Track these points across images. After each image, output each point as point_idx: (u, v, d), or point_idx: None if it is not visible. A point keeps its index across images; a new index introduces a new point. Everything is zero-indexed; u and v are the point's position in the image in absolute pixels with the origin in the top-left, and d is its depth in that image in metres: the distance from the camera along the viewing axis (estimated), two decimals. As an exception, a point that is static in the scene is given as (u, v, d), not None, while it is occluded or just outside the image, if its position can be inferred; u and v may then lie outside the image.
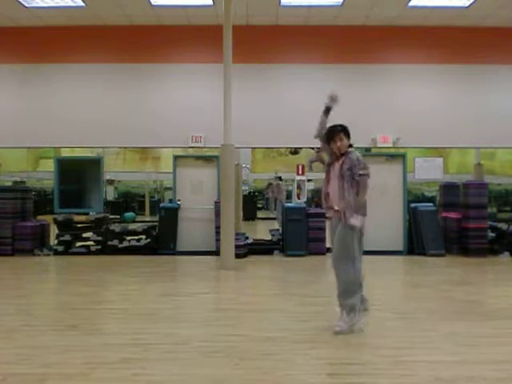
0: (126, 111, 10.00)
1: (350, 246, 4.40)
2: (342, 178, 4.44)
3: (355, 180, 4.42)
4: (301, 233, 9.72)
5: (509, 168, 18.03)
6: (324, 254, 9.70)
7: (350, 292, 4.42)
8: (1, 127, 9.96)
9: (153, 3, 8.96)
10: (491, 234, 9.84)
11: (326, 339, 4.35)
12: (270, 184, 17.88)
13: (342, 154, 4.52)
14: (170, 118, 9.94)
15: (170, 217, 10.10)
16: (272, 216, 19.43)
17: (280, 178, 16.89)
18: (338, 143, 4.50)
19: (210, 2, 8.92)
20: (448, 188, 10.61)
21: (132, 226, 11.02)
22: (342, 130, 4.54)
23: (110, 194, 21.83)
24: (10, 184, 17.53)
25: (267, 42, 9.98)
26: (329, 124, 4.67)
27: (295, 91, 9.99)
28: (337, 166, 4.53)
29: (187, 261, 9.32)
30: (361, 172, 4.42)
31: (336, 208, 4.49)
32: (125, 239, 9.97)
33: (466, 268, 8.54)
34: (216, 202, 9.66)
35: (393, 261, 9.31)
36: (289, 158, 18.26)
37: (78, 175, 10.60)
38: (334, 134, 4.53)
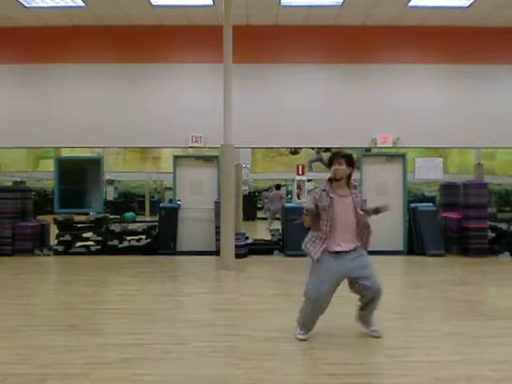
0: (126, 111, 9.99)
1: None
2: (357, 213, 4.22)
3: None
4: (301, 233, 9.69)
5: (509, 168, 18.05)
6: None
7: None
8: (1, 127, 9.96)
9: (153, 3, 8.96)
10: (491, 234, 9.84)
11: (326, 339, 4.35)
12: (270, 189, 17.88)
13: (348, 185, 4.29)
14: (170, 118, 9.94)
15: (169, 217, 10.10)
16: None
17: (278, 187, 16.79)
18: (335, 166, 4.24)
19: (210, 2, 8.92)
20: (448, 188, 10.61)
21: (132, 226, 11.02)
22: (343, 157, 4.26)
23: (110, 194, 21.86)
24: (10, 184, 17.56)
25: (267, 42, 9.97)
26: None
27: (295, 91, 9.99)
28: (346, 201, 4.23)
29: (187, 261, 9.32)
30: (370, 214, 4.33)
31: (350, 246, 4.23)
32: (125, 239, 9.98)
33: (466, 268, 8.54)
34: (216, 202, 9.66)
35: (393, 261, 9.30)
36: (289, 158, 18.29)
37: (78, 175, 10.59)
38: (334, 158, 4.29)
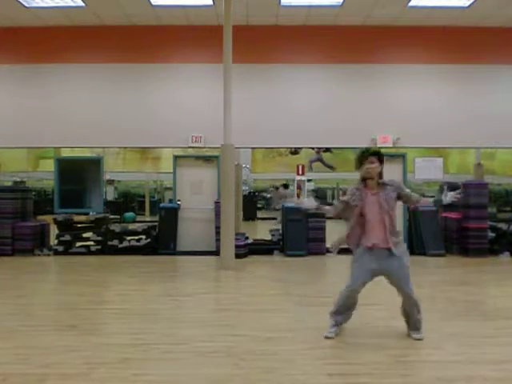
0: (126, 111, 9.99)
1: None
2: (388, 213, 4.20)
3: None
4: (301, 233, 9.72)
5: (509, 168, 18.04)
6: (324, 254, 9.70)
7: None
8: (1, 127, 9.95)
9: (153, 3, 8.96)
10: (491, 234, 9.84)
11: (326, 339, 4.34)
12: (277, 188, 18.10)
13: (378, 184, 4.25)
14: (169, 118, 9.94)
15: (169, 217, 10.09)
16: (271, 216, 19.47)
17: (286, 186, 16.93)
18: (367, 165, 4.19)
19: (210, 2, 8.91)
20: (448, 188, 10.58)
21: (132, 226, 11.02)
22: (374, 154, 4.22)
23: (110, 194, 21.84)
24: (10, 184, 17.55)
25: (267, 41, 9.97)
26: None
27: (295, 91, 9.99)
28: (374, 199, 4.21)
29: (187, 261, 9.32)
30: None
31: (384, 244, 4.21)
32: (125, 239, 9.97)
33: (466, 268, 8.54)
34: (216, 202, 9.66)
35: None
36: (289, 158, 18.29)
37: (78, 175, 10.59)
38: (365, 156, 4.24)
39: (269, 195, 22.43)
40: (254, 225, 18.76)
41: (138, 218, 19.66)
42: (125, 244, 9.89)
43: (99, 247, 9.84)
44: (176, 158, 10.61)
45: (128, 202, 23.47)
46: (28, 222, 10.07)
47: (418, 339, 4.29)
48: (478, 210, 9.57)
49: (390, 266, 4.22)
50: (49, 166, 14.27)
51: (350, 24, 9.89)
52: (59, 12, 9.32)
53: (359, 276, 4.29)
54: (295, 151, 16.26)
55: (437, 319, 5.03)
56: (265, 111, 9.94)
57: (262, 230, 14.59)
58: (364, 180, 4.27)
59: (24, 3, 8.90)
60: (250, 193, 22.21)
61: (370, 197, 4.23)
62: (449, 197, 4.37)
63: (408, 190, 4.35)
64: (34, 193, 14.37)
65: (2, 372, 3.58)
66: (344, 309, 4.41)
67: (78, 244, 9.99)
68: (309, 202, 4.61)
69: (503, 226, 10.17)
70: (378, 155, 4.23)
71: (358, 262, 4.32)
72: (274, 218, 17.12)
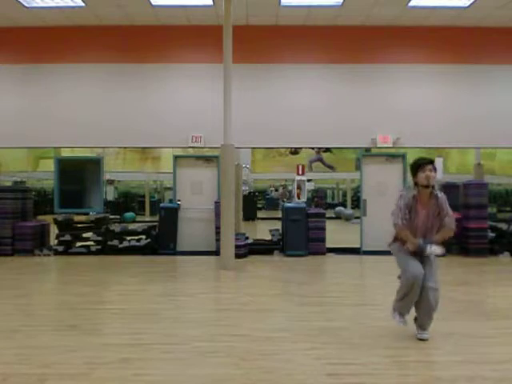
0: (126, 111, 9.99)
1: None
2: (432, 222, 4.35)
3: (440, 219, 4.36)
4: (301, 233, 9.72)
5: (509, 168, 18.05)
6: (324, 254, 9.71)
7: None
8: (1, 127, 9.95)
9: (153, 3, 8.96)
10: (491, 234, 9.84)
11: (326, 339, 4.35)
12: (283, 187, 18.45)
13: (430, 194, 4.37)
14: (170, 118, 9.94)
15: (169, 217, 10.10)
16: (272, 216, 19.49)
17: (277, 190, 17.16)
18: (427, 172, 4.33)
19: (210, 2, 8.91)
20: (448, 188, 10.60)
21: (132, 226, 11.02)
22: (432, 163, 4.42)
23: (110, 194, 21.85)
24: (10, 184, 17.55)
25: (267, 41, 9.97)
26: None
27: (295, 91, 9.99)
28: (424, 213, 4.34)
29: (187, 261, 9.32)
30: (452, 225, 4.34)
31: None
32: (125, 239, 9.98)
33: (466, 268, 8.54)
34: (216, 202, 9.67)
35: (393, 261, 9.28)
36: (289, 158, 18.32)
37: (78, 175, 10.60)
38: (423, 164, 4.40)
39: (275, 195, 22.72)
40: (254, 225, 18.77)
41: (138, 218, 19.67)
42: (125, 244, 9.90)
43: (99, 247, 9.84)
44: (176, 158, 10.61)
45: (128, 202, 23.47)
46: (28, 222, 10.07)
47: (423, 339, 4.29)
48: (478, 210, 9.58)
49: (424, 259, 4.35)
50: (49, 166, 14.28)
51: (350, 24, 9.89)
52: (59, 12, 9.32)
53: (414, 261, 4.30)
54: (295, 151, 16.28)
55: (437, 319, 5.01)
56: (265, 111, 9.93)
57: (262, 230, 14.60)
58: (418, 186, 4.36)
59: (24, 3, 8.90)
60: (250, 193, 22.24)
61: (421, 211, 4.34)
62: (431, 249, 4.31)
63: (448, 212, 4.35)
64: (34, 193, 14.36)
65: (2, 372, 3.58)
66: (410, 299, 4.32)
67: (78, 244, 10.00)
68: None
69: (503, 225, 10.18)
70: (433, 164, 4.41)
71: (402, 251, 4.41)
72: (273, 218, 17.13)
